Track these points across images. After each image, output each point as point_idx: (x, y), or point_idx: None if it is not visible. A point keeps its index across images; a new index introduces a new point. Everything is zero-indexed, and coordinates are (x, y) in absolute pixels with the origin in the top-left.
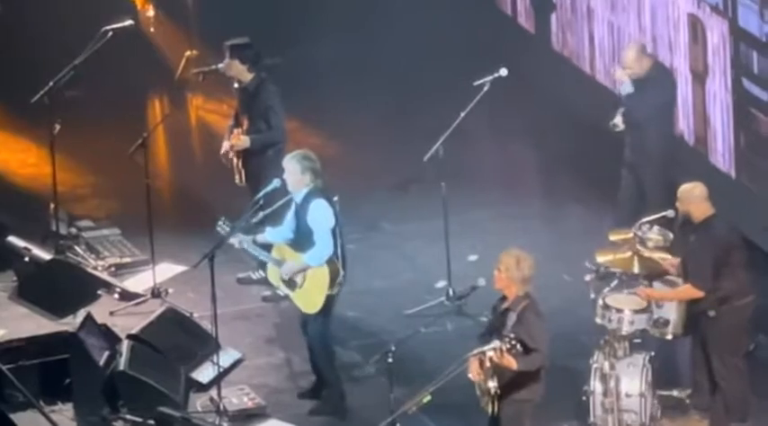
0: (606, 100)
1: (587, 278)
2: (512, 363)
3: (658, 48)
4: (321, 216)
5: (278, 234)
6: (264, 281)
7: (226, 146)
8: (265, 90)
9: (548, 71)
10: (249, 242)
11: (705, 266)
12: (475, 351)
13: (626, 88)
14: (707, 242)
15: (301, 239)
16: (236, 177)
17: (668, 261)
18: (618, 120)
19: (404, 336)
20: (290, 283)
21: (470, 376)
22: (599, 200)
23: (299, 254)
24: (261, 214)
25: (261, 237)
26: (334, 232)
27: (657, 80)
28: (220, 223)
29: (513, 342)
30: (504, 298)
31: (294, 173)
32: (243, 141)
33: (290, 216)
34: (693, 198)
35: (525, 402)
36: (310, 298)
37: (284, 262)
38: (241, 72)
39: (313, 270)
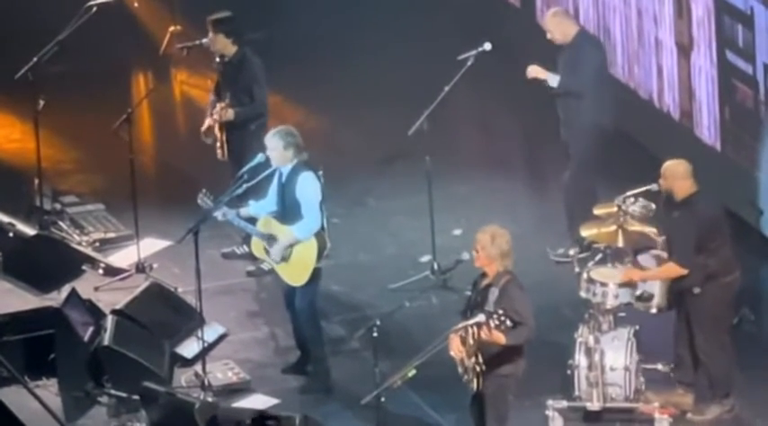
0: None
1: (571, 251)
2: (500, 338)
3: (644, 22)
4: (310, 189)
5: (261, 207)
6: (249, 256)
7: (209, 122)
8: (249, 63)
9: (532, 44)
10: (233, 214)
11: (688, 244)
12: (459, 326)
13: (551, 82)
14: (690, 219)
15: (288, 212)
16: (219, 152)
17: (658, 239)
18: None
19: (389, 310)
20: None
21: (451, 353)
22: None
23: (286, 227)
24: (244, 186)
25: (244, 211)
26: (321, 205)
27: (582, 54)
28: (202, 195)
29: (503, 318)
30: (484, 274)
31: (277, 149)
32: (228, 114)
33: (273, 189)
34: (677, 175)
35: (508, 377)
36: (297, 271)
37: (269, 236)
38: (226, 46)
39: (301, 242)
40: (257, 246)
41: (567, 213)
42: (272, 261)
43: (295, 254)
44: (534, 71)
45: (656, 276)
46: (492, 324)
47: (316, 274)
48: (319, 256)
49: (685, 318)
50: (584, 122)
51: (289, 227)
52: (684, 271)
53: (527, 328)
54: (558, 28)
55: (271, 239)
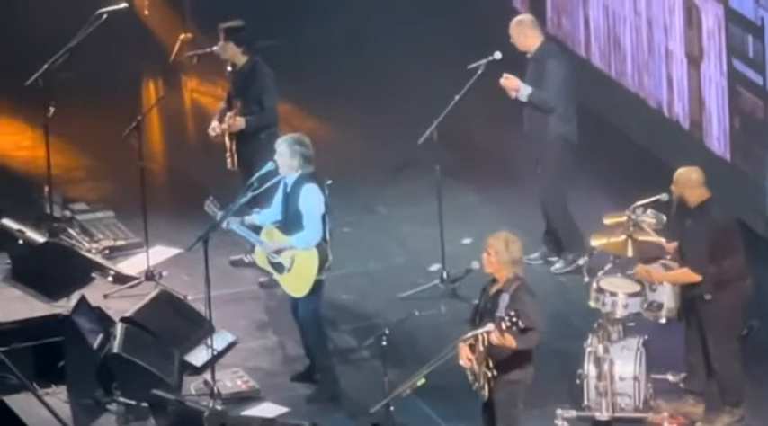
0: (601, 83)
1: (581, 261)
2: (512, 342)
3: (654, 32)
4: (312, 201)
5: (266, 216)
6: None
7: (215, 124)
8: (260, 72)
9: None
10: (237, 223)
11: (702, 251)
12: (469, 335)
13: (522, 94)
14: (704, 226)
15: (290, 222)
16: (228, 162)
17: (667, 246)
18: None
19: (398, 319)
20: (278, 266)
21: (461, 362)
22: (592, 184)
23: (288, 238)
24: (250, 195)
25: (249, 219)
26: (323, 217)
27: (544, 68)
28: (208, 202)
29: (515, 319)
30: (494, 281)
31: (283, 156)
32: (238, 122)
33: (278, 198)
34: (690, 182)
35: (517, 383)
36: (298, 282)
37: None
38: (236, 55)
39: (302, 254)
40: (260, 256)
41: (549, 226)
42: (275, 272)
43: (296, 266)
44: (507, 82)
45: (670, 278)
46: (504, 326)
47: (317, 286)
48: (320, 268)
49: (697, 326)
50: (548, 136)
51: (289, 238)
52: (698, 278)
53: (537, 334)
54: (519, 38)
55: None
